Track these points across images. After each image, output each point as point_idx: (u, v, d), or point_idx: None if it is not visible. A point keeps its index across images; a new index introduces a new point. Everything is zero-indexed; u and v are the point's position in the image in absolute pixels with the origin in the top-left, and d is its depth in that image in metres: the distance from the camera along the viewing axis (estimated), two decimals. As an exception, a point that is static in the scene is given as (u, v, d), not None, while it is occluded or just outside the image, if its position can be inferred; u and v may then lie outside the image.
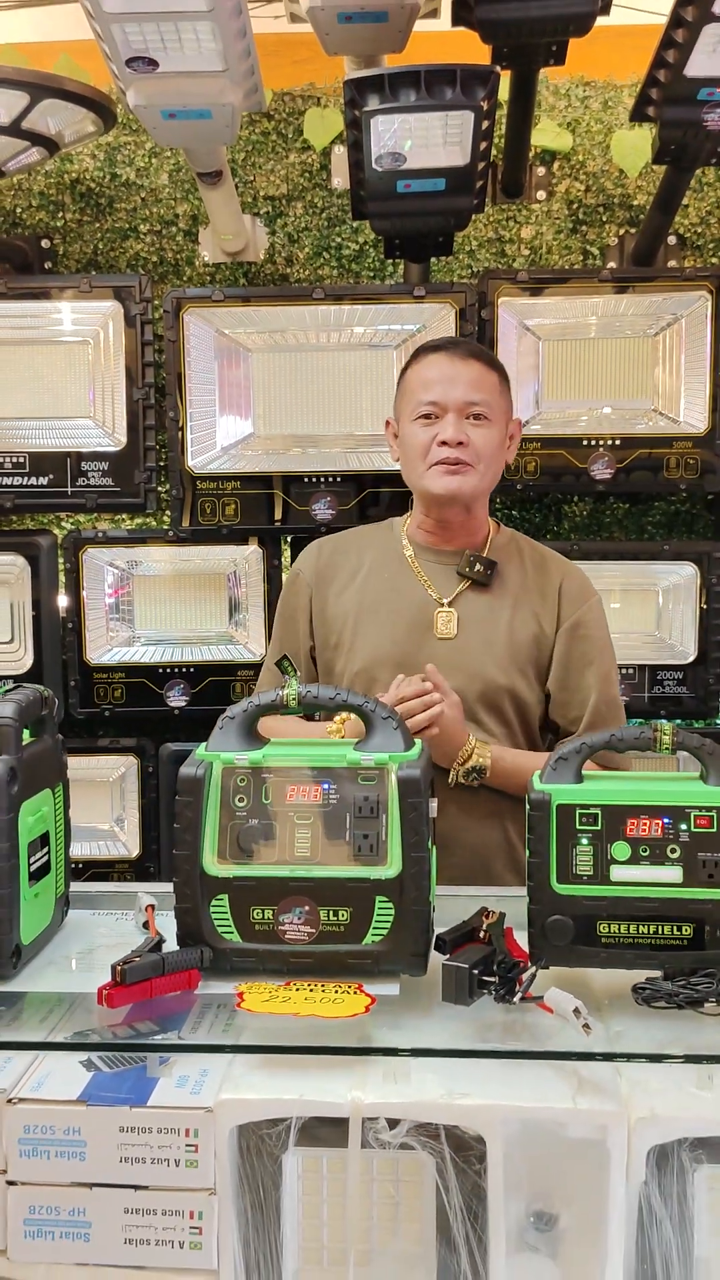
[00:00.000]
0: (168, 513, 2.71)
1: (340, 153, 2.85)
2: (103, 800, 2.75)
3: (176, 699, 2.67)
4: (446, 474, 2.00)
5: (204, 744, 1.53)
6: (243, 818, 1.47)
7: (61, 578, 2.70)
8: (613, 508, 2.87)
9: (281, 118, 2.86)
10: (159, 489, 2.67)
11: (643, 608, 2.73)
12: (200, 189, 2.55)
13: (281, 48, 2.83)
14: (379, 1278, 1.30)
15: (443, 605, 2.04)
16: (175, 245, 2.88)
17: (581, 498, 2.83)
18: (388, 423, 2.14)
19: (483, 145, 2.15)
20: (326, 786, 1.48)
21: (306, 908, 1.45)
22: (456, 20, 2.11)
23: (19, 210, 2.90)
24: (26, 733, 1.57)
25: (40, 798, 1.56)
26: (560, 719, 2.07)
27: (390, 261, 2.83)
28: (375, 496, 2.58)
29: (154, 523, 2.84)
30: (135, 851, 2.73)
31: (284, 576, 2.70)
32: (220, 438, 2.59)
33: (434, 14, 2.38)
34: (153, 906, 1.65)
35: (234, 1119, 1.28)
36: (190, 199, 2.86)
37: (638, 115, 2.24)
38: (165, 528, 2.73)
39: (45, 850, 1.58)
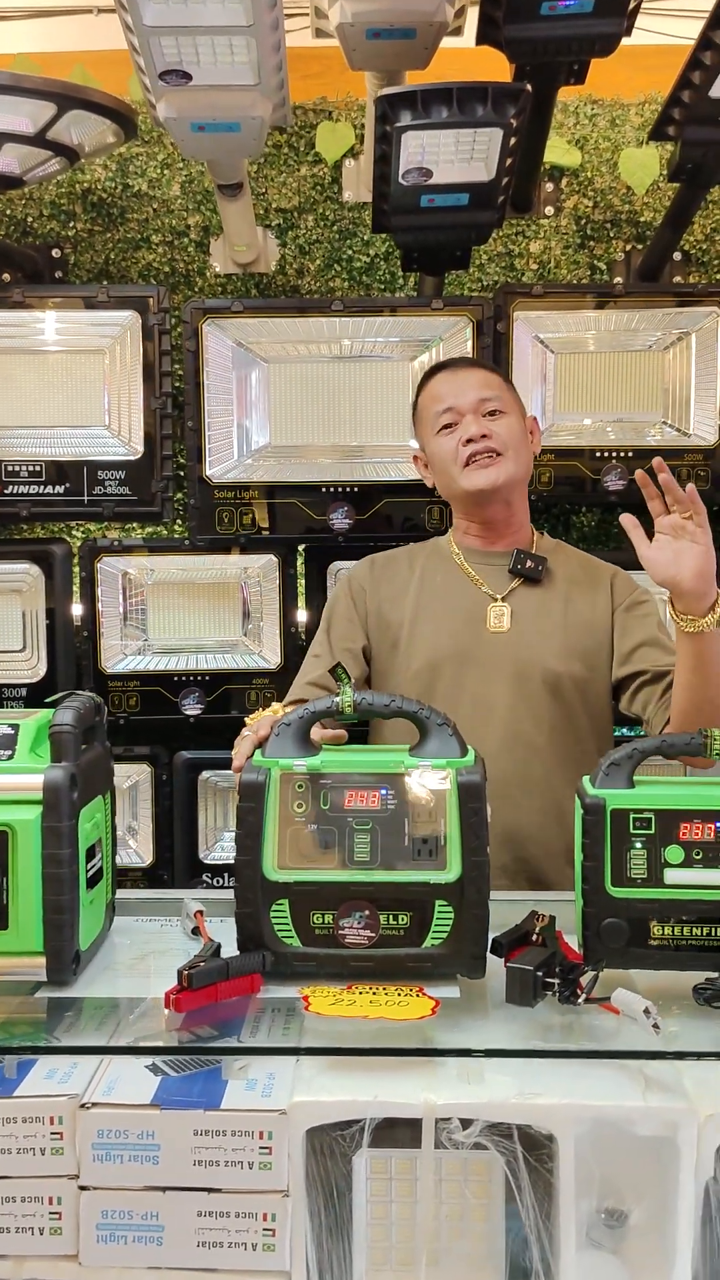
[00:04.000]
0: (180, 522, 2.72)
1: (352, 166, 2.87)
2: (117, 808, 2.74)
3: (191, 707, 2.68)
4: (479, 468, 2.07)
5: (260, 750, 1.54)
6: (302, 823, 1.49)
7: (76, 586, 2.70)
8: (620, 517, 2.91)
9: (294, 131, 2.88)
10: (175, 498, 2.67)
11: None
12: (219, 200, 2.56)
13: (294, 62, 2.82)
14: (448, 1277, 1.32)
15: (496, 600, 2.10)
16: (186, 256, 2.89)
17: (590, 508, 2.87)
18: (415, 456, 2.24)
19: (508, 161, 2.18)
20: (385, 792, 1.49)
21: (367, 912, 1.46)
22: (482, 39, 2.14)
23: (30, 219, 2.90)
24: (79, 739, 1.57)
25: (94, 804, 1.57)
26: (631, 687, 2.07)
27: (401, 273, 2.86)
28: (392, 507, 2.59)
29: (165, 531, 2.85)
30: (149, 859, 2.73)
31: (299, 585, 2.72)
32: (238, 447, 2.60)
33: (458, 31, 2.41)
34: (202, 912, 1.67)
35: (307, 1121, 1.29)
36: (202, 210, 2.87)
37: (658, 135, 2.28)
38: (179, 537, 2.73)
39: (98, 857, 1.58)
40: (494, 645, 2.07)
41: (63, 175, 2.86)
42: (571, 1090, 1.29)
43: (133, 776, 2.75)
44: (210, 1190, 1.29)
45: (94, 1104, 1.29)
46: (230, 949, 1.50)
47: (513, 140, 2.12)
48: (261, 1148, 1.28)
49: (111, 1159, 1.29)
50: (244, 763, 1.55)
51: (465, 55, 2.32)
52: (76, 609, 2.71)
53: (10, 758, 1.49)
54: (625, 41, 2.31)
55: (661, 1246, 1.29)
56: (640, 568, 1.88)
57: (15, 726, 1.53)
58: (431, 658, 2.08)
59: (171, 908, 1.80)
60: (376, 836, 1.48)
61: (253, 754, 1.55)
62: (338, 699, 1.54)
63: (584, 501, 2.76)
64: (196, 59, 2.01)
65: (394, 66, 2.28)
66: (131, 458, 2.61)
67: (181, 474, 2.67)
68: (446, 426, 2.10)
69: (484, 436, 2.07)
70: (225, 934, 1.57)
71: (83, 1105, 1.29)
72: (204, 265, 2.89)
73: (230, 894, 1.70)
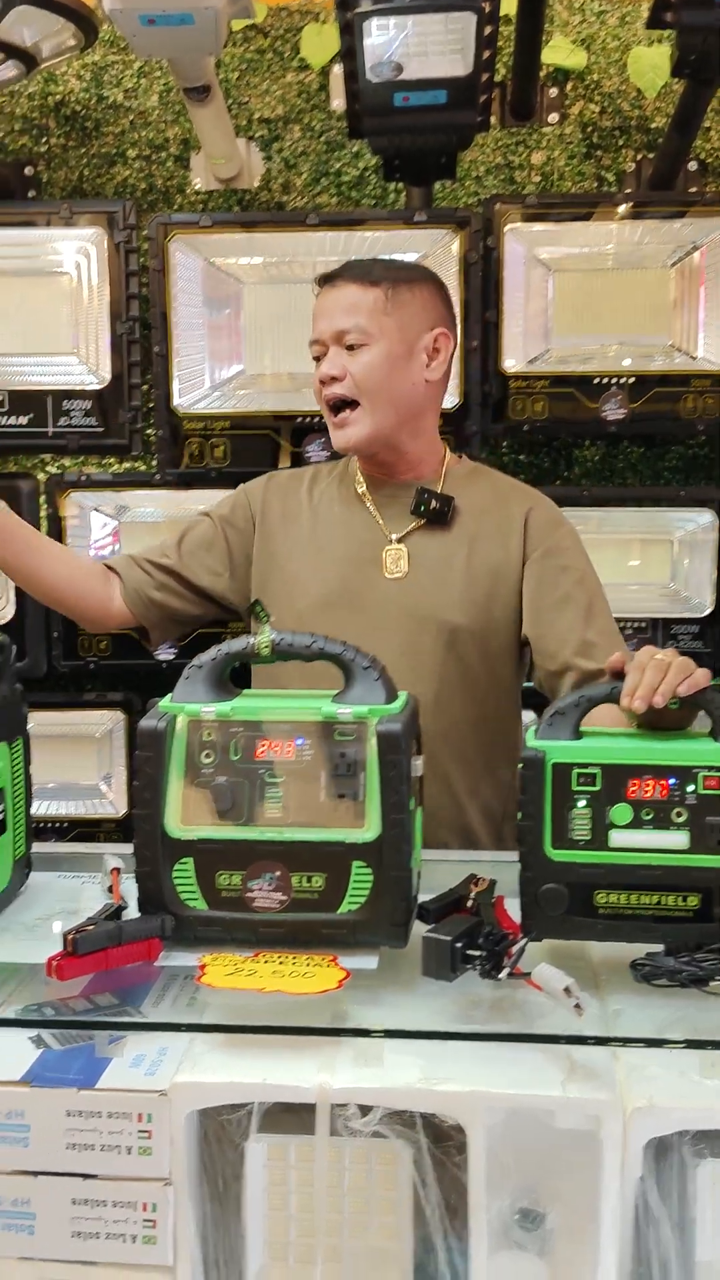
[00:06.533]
0: (155, 455, 2.59)
1: (340, 72, 2.68)
2: (89, 757, 2.65)
3: (165, 651, 2.56)
4: (336, 428, 1.87)
5: (169, 695, 1.42)
6: (209, 775, 1.36)
7: (44, 524, 2.58)
8: (626, 452, 2.73)
9: (277, 35, 2.70)
10: (145, 430, 2.54)
11: (657, 558, 2.60)
12: (188, 107, 2.40)
13: (278, -40, 2.68)
14: (350, 1275, 1.20)
15: (392, 542, 1.90)
16: (165, 171, 2.73)
17: (593, 441, 2.69)
18: None
19: (486, 54, 2.00)
20: (300, 742, 1.36)
21: (277, 873, 1.34)
22: None
23: (0, 135, 2.75)
24: (-21, 682, 1.46)
25: (-7, 752, 1.45)
26: (546, 667, 1.87)
27: (394, 188, 2.68)
28: (373, 437, 2.44)
29: (142, 466, 2.72)
30: (122, 810, 2.63)
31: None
32: (209, 375, 2.46)
33: None
34: (118, 870, 1.55)
35: (191, 1103, 1.18)
36: (181, 121, 2.71)
37: (655, 23, 2.08)
38: (153, 471, 2.60)
39: (0, 808, 1.47)
40: (385, 591, 1.87)
41: (33, 88, 2.72)
42: (486, 1077, 1.16)
43: (105, 724, 2.64)
44: (85, 1176, 1.18)
45: (-41, 1079, 1.19)
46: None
47: (488, 28, 1.94)
48: (140, 1131, 1.17)
49: (-21, 1139, 1.19)
50: None
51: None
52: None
53: None
54: None
55: (585, 1252, 1.16)
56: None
57: None
58: (318, 598, 1.88)
59: (98, 863, 1.69)
60: (290, 791, 1.35)
61: None
62: (254, 639, 1.41)
63: (581, 433, 2.58)
64: (137, -59, 1.85)
65: (366, -48, 2.10)
66: (98, 387, 2.47)
67: (150, 405, 2.53)
68: (317, 360, 1.89)
69: (334, 379, 1.83)
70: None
71: (-54, 1081, 1.19)
72: (184, 181, 2.73)
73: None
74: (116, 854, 1.63)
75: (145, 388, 2.51)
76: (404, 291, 1.86)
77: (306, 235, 2.40)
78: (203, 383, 2.46)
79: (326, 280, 1.90)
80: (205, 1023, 1.23)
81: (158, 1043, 1.24)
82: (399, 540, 1.90)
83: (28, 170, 2.75)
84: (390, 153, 2.29)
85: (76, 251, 2.46)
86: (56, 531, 2.53)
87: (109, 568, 1.98)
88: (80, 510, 2.55)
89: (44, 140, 2.75)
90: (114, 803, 2.65)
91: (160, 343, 2.42)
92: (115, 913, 1.38)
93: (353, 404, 1.84)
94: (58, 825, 2.62)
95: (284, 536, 1.95)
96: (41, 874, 1.64)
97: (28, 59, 2.33)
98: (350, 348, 1.84)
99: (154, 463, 2.61)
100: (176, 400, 2.44)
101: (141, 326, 2.48)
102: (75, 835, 2.62)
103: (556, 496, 2.46)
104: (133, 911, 1.41)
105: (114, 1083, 1.18)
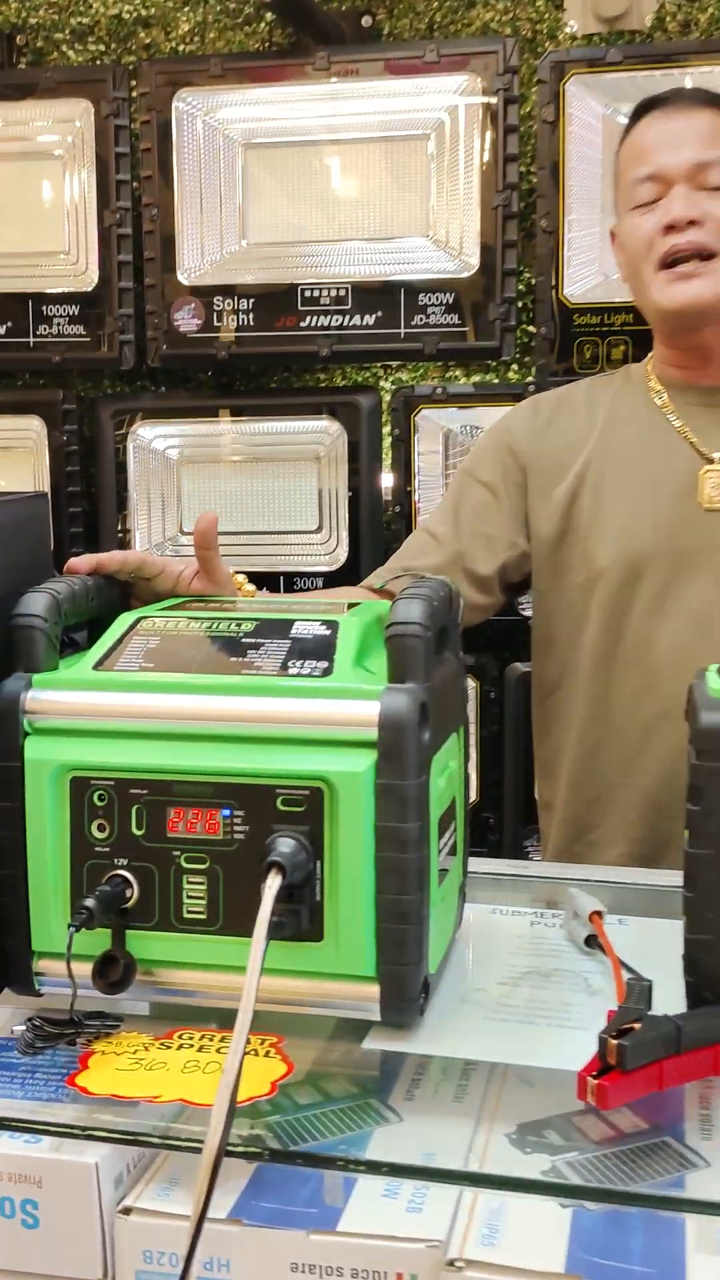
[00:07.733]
0: (533, 362, 2.15)
1: None
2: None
3: (528, 606, 2.14)
4: (679, 280, 1.51)
5: (713, 668, 0.99)
6: None
7: (387, 449, 2.20)
8: None
9: None
10: (521, 329, 2.11)
11: None
12: None
13: None
14: None
15: (713, 462, 1.52)
16: (534, 13, 2.28)
17: None
18: (612, 234, 1.65)
19: None
20: None
21: None
22: None
23: (334, -22, 2.36)
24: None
25: (448, 748, 1.06)
26: None
27: None
28: None
29: (498, 377, 2.29)
30: (473, 797, 2.25)
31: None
32: (610, 258, 2.01)
33: None
34: (600, 914, 1.14)
35: None
36: (557, -53, 2.26)
37: None
38: (527, 380, 2.17)
39: (452, 828, 1.07)
40: (706, 530, 1.52)
41: None
42: None
43: (454, 692, 2.26)
44: None
45: (468, 1261, 0.80)
46: (662, 984, 0.97)
47: None
48: None
49: None
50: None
51: None
52: (386, 479, 2.22)
53: (328, 672, 0.98)
54: None
55: None
56: None
57: (332, 625, 1.03)
58: (627, 553, 1.54)
59: (538, 891, 1.30)
60: None
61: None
62: None
63: None
64: None
65: None
66: (463, 274, 2.06)
67: (531, 297, 2.10)
68: (647, 204, 1.54)
69: (692, 224, 1.49)
70: (627, 943, 1.09)
71: (451, 1262, 0.80)
72: (555, 25, 2.28)
73: (619, 875, 1.20)
74: (579, 883, 1.23)
75: (525, 275, 2.07)
76: None
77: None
78: (598, 267, 2.01)
79: (657, 104, 1.58)
80: None
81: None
82: None
83: (365, 20, 2.34)
84: None
85: (439, 104, 2.05)
86: (405, 459, 2.14)
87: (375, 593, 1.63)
88: (431, 429, 2.15)
89: (386, -19, 2.34)
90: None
91: (548, 215, 1.98)
92: (645, 994, 0.96)
93: (709, 255, 1.52)
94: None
95: (563, 475, 1.60)
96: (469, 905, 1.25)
97: None
98: (711, 188, 1.51)
99: (529, 370, 2.18)
100: (567, 289, 2.00)
101: (522, 196, 2.05)
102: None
103: None
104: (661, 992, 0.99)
105: (715, 1288, 0.78)
